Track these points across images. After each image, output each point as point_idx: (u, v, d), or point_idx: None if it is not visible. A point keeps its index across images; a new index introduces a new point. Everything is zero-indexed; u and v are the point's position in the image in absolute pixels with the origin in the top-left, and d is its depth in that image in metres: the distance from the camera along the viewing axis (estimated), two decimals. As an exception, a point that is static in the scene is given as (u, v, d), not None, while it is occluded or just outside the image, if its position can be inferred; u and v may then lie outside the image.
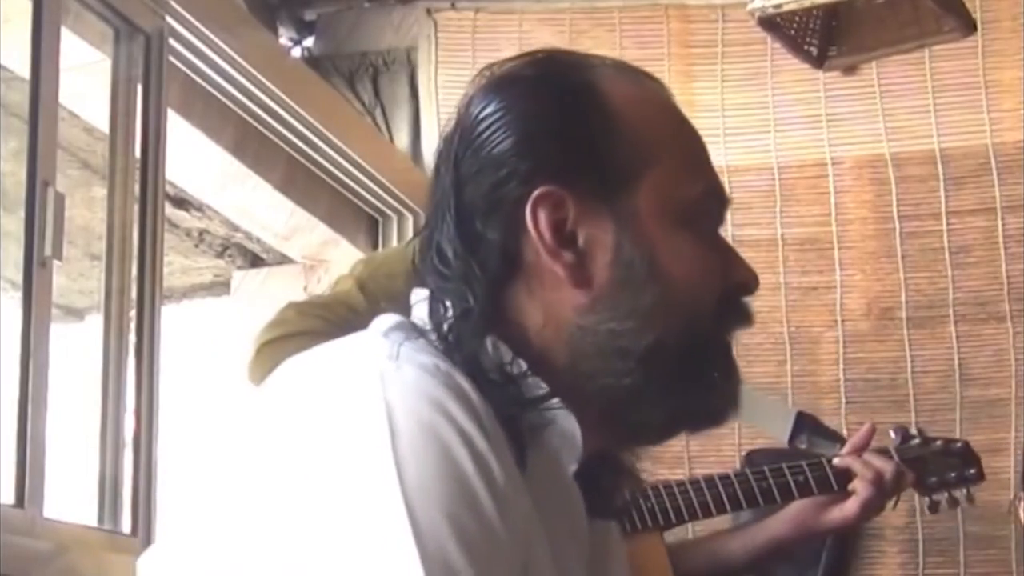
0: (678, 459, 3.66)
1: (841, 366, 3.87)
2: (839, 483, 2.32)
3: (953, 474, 2.46)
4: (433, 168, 1.15)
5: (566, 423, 1.08)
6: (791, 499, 2.33)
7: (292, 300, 2.29)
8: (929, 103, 3.89)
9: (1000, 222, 3.82)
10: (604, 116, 1.11)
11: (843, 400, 3.85)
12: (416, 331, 1.08)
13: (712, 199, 1.14)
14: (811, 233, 3.92)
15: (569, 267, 1.09)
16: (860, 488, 2.29)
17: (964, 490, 2.48)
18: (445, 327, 1.08)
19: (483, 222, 1.09)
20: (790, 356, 3.85)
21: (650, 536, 2.27)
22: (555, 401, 1.07)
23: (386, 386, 1.00)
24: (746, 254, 1.19)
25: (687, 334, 1.10)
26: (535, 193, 1.08)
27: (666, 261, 1.10)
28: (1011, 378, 3.76)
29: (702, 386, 1.11)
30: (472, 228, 1.09)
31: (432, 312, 1.10)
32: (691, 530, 2.93)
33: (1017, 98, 3.81)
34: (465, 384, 1.02)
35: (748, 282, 1.15)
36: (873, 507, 2.31)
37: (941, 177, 3.87)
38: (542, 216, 1.08)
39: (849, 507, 2.29)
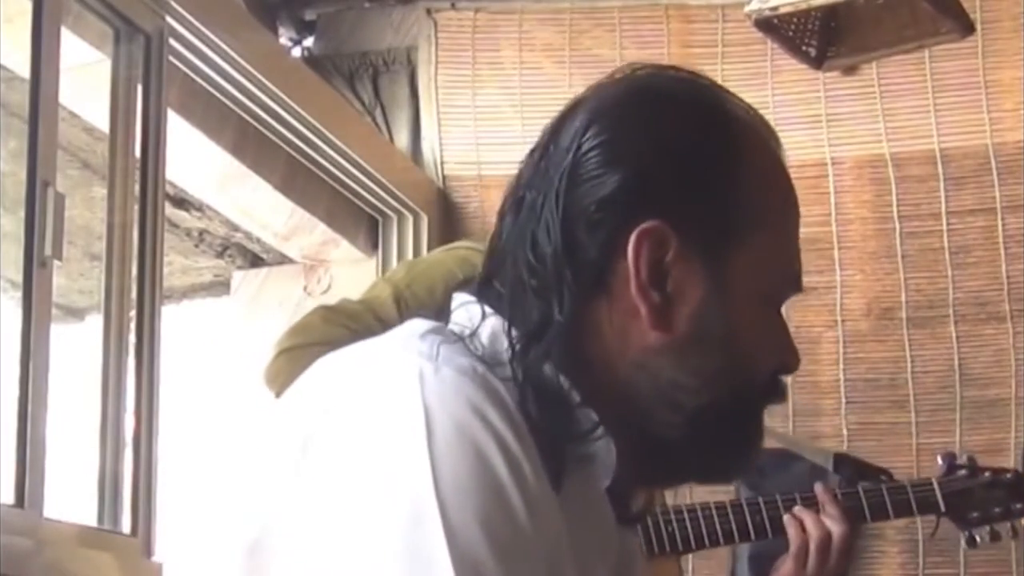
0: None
1: (841, 366, 3.87)
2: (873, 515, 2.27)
3: (998, 508, 2.37)
4: (534, 156, 1.12)
5: (606, 448, 1.08)
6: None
7: (322, 304, 2.26)
8: (929, 103, 3.89)
9: (1000, 222, 3.82)
10: (735, 167, 1.10)
11: (843, 400, 3.85)
12: (453, 335, 1.08)
13: (792, 284, 1.16)
14: (811, 233, 3.92)
15: (653, 307, 1.08)
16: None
17: (1009, 524, 2.39)
18: (520, 328, 1.07)
19: (586, 232, 1.07)
20: (790, 356, 3.85)
21: (667, 561, 2.25)
22: (599, 432, 1.07)
23: (424, 386, 1.00)
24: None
25: (737, 402, 1.11)
26: (645, 224, 1.07)
27: (742, 331, 1.10)
28: (1011, 378, 3.76)
29: (730, 449, 1.13)
30: (574, 233, 1.07)
31: (513, 308, 1.08)
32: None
33: (1017, 98, 3.81)
34: (502, 388, 1.02)
35: (793, 365, 1.17)
36: (811, 564, 2.21)
37: (941, 177, 3.87)
38: (645, 249, 1.07)
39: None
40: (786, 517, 2.21)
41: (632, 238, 1.07)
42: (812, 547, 2.17)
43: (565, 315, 1.06)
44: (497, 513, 0.96)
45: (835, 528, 2.19)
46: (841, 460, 2.46)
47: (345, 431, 1.01)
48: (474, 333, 1.09)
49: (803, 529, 2.19)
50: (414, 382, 1.00)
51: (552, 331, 1.07)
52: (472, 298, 1.12)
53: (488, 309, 1.10)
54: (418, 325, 1.10)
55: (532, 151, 1.13)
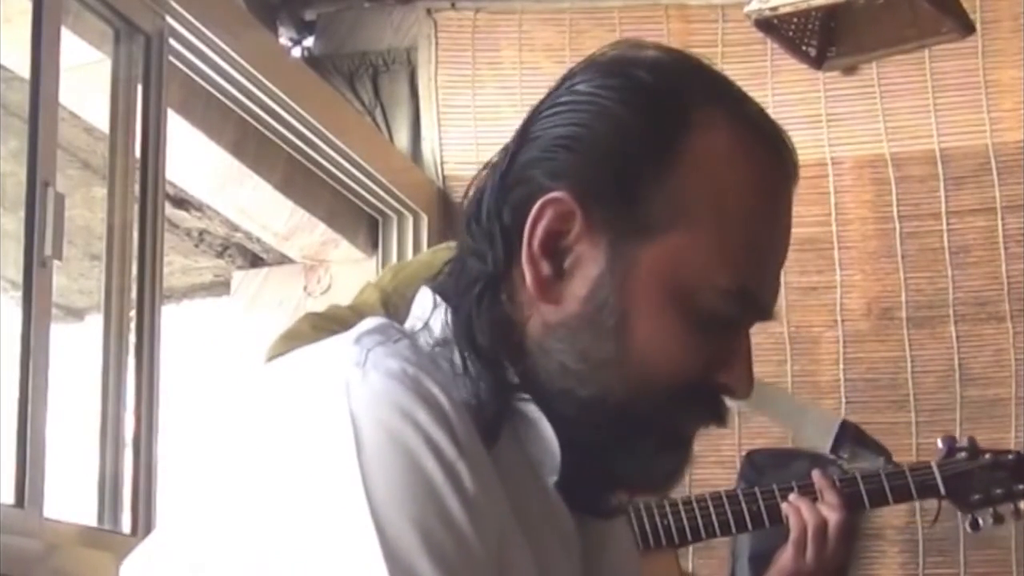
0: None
1: (841, 366, 3.87)
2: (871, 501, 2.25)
3: (1000, 490, 2.34)
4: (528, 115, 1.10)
5: (541, 427, 1.05)
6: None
7: (310, 311, 2.26)
8: (929, 103, 3.89)
9: (1000, 222, 3.82)
10: (672, 158, 1.04)
11: (843, 400, 3.85)
12: (397, 332, 1.06)
13: (740, 300, 1.05)
14: (811, 233, 3.92)
15: (539, 278, 1.04)
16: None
17: (1011, 505, 2.36)
18: (456, 286, 1.06)
19: (508, 196, 1.06)
20: (790, 356, 3.85)
21: (664, 554, 2.24)
22: (527, 395, 1.05)
23: (351, 395, 0.97)
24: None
25: (629, 403, 1.04)
26: (552, 194, 1.04)
27: (637, 327, 1.03)
28: (1011, 378, 3.76)
29: (630, 456, 1.06)
30: (504, 197, 1.06)
31: (452, 270, 1.08)
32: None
33: (1017, 98, 3.81)
34: (435, 389, 0.98)
35: (733, 388, 1.07)
36: (809, 552, 2.19)
37: (941, 177, 3.87)
38: (545, 219, 1.04)
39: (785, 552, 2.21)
40: (784, 504, 2.21)
41: (535, 206, 1.04)
42: (810, 534, 2.17)
43: (493, 271, 1.05)
44: (433, 518, 0.94)
45: (832, 515, 2.19)
46: (846, 427, 2.45)
47: (277, 448, 0.98)
48: (425, 325, 1.08)
49: (801, 516, 2.19)
50: (340, 392, 0.97)
51: (480, 285, 1.05)
52: (428, 290, 1.11)
53: (438, 298, 1.09)
54: (361, 326, 1.07)
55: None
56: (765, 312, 1.08)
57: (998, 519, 2.36)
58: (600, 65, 1.08)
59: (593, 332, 1.04)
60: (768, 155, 1.09)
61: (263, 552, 0.96)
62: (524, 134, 1.08)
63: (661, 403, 1.05)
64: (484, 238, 1.06)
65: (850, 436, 2.43)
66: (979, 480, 2.34)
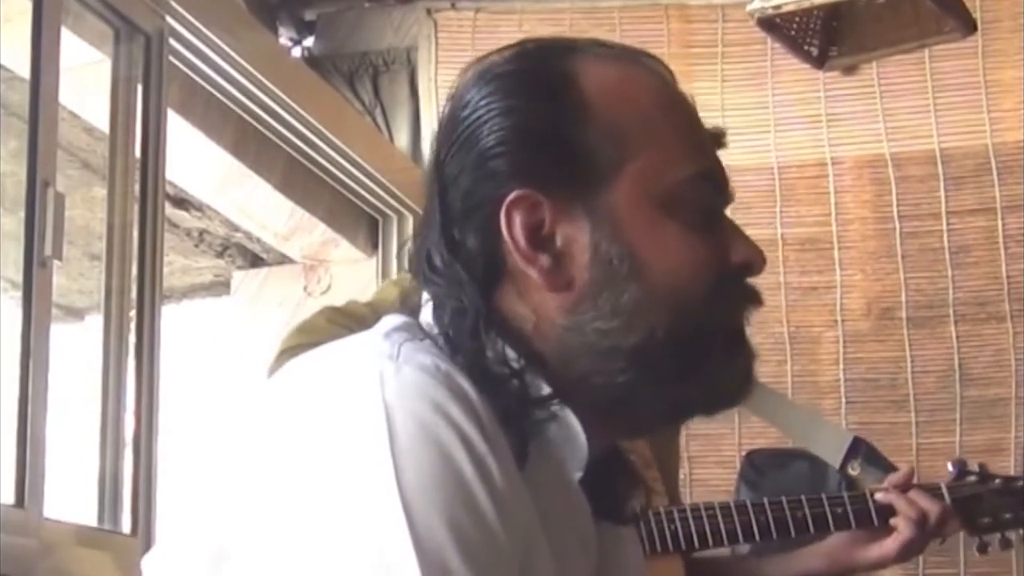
0: (678, 459, 3.65)
1: (841, 366, 3.87)
2: (880, 519, 2.24)
3: (1009, 515, 2.34)
4: (427, 169, 1.13)
5: (570, 426, 1.07)
6: (826, 531, 2.22)
7: (328, 305, 2.26)
8: (929, 103, 3.89)
9: (1000, 222, 3.83)
10: (579, 111, 1.08)
11: (843, 400, 3.85)
12: (421, 331, 1.07)
13: (705, 181, 1.10)
14: (811, 233, 3.92)
15: (545, 271, 1.07)
16: (902, 527, 2.17)
17: (1021, 531, 2.35)
18: (447, 329, 1.07)
19: (461, 228, 1.08)
20: (790, 356, 3.85)
21: (671, 560, 2.23)
22: (556, 401, 1.06)
23: (385, 387, 0.98)
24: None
25: (677, 326, 1.07)
26: (509, 197, 1.06)
27: (648, 255, 1.07)
28: (1011, 378, 3.76)
29: (702, 375, 1.08)
30: (455, 233, 1.08)
31: (434, 316, 1.09)
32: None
33: (1017, 98, 3.81)
34: (466, 385, 1.00)
35: (751, 262, 1.11)
36: (914, 548, 2.19)
37: (941, 177, 3.87)
38: (517, 220, 1.06)
39: (888, 546, 2.17)
40: (892, 497, 2.20)
41: (501, 214, 1.06)
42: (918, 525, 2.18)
43: (472, 305, 1.06)
44: (463, 511, 0.95)
45: (933, 508, 2.20)
46: (857, 443, 2.45)
47: (308, 437, 0.99)
48: (441, 329, 1.08)
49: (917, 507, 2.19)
50: (375, 383, 0.99)
51: (468, 321, 1.06)
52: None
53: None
54: (387, 323, 1.09)
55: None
56: (722, 178, 1.13)
57: (1006, 544, 2.36)
58: (471, 83, 1.12)
59: (613, 286, 1.06)
60: (642, 65, 1.14)
61: (292, 537, 0.97)
62: (441, 179, 1.09)
63: (703, 310, 1.08)
64: (451, 281, 1.08)
65: (860, 452, 2.43)
66: (988, 504, 2.34)
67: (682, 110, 1.13)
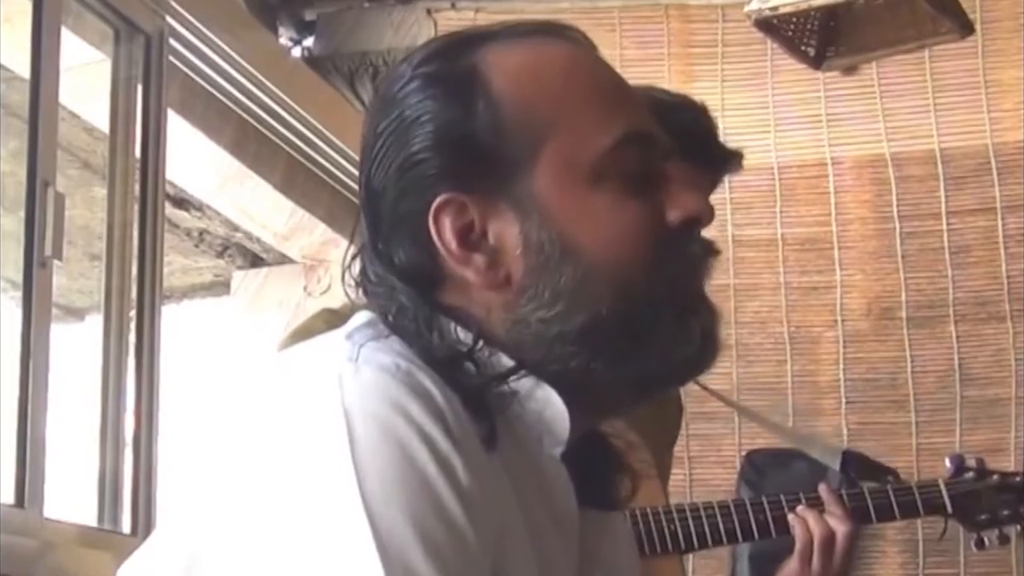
0: (678, 459, 3.64)
1: (841, 366, 3.87)
2: (879, 514, 2.25)
3: (1007, 511, 2.33)
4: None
5: (543, 400, 1.06)
6: None
7: (325, 307, 2.26)
8: (929, 103, 3.89)
9: (1000, 222, 3.82)
10: (487, 106, 1.06)
11: (843, 400, 3.85)
12: (386, 328, 1.06)
13: (630, 145, 1.07)
14: (811, 233, 3.92)
15: (481, 271, 1.06)
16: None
17: (1018, 527, 2.35)
18: (395, 327, 1.06)
19: (390, 241, 1.07)
20: (790, 356, 3.85)
21: (669, 560, 2.24)
22: (523, 372, 1.05)
23: (344, 389, 0.97)
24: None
25: (621, 300, 1.05)
26: (435, 203, 1.05)
27: (578, 234, 1.05)
28: (1011, 378, 3.76)
29: (656, 346, 1.06)
30: (388, 248, 1.07)
31: (382, 322, 1.08)
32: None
33: (1017, 98, 3.81)
34: (427, 382, 0.99)
35: (692, 212, 1.08)
36: (814, 564, 2.16)
37: (941, 177, 3.87)
38: (446, 224, 1.06)
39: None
40: (791, 516, 2.21)
41: (429, 221, 1.06)
42: (816, 545, 2.17)
43: (414, 310, 1.05)
44: (428, 511, 0.94)
45: (839, 527, 2.19)
46: (849, 457, 2.45)
47: (271, 443, 0.98)
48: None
49: (808, 528, 2.19)
50: (334, 386, 0.97)
51: (412, 322, 1.05)
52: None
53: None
54: (352, 322, 1.08)
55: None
56: (647, 134, 1.09)
57: (1004, 540, 2.36)
58: (375, 106, 1.11)
59: (550, 271, 1.05)
60: (550, 40, 1.12)
61: (258, 544, 0.96)
62: (368, 199, 1.09)
63: (645, 278, 1.06)
64: (388, 292, 1.07)
65: (853, 466, 2.43)
66: (986, 500, 2.34)
67: (596, 78, 1.11)
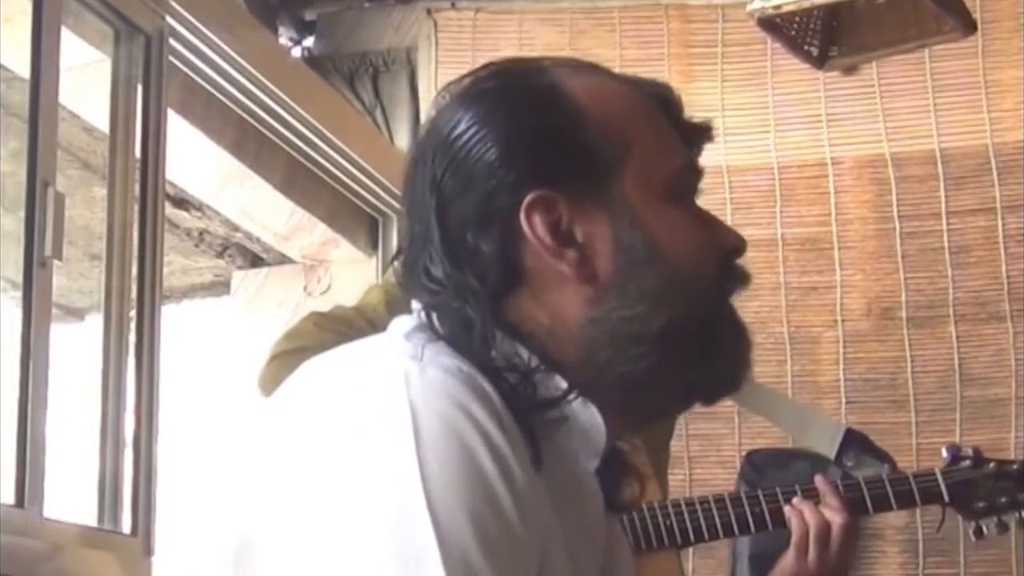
0: (678, 459, 3.65)
1: (841, 366, 3.87)
2: (875, 506, 2.24)
3: (1004, 498, 2.33)
4: (405, 194, 1.16)
5: (587, 419, 1.10)
6: None
7: (314, 311, 2.27)
8: (929, 103, 3.89)
9: (1000, 222, 3.82)
10: (575, 114, 1.13)
11: (843, 400, 3.85)
12: (435, 334, 1.09)
13: (689, 171, 1.17)
14: (811, 233, 3.92)
15: (574, 264, 1.10)
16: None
17: (1016, 514, 2.34)
18: (450, 336, 1.09)
19: (475, 236, 1.10)
20: (790, 356, 3.85)
21: (666, 555, 2.24)
22: (574, 395, 1.09)
23: (410, 386, 1.01)
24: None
25: (696, 307, 1.12)
26: (527, 200, 1.10)
27: (664, 240, 1.11)
28: (1011, 378, 3.76)
29: (716, 355, 1.14)
30: (464, 245, 1.10)
31: (433, 326, 1.11)
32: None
33: (1017, 98, 3.81)
34: (487, 386, 1.03)
35: (739, 245, 1.17)
36: (811, 555, 2.17)
37: (941, 177, 3.87)
38: (537, 220, 1.10)
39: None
40: (787, 508, 2.21)
41: (522, 217, 1.10)
42: (812, 537, 2.17)
43: (480, 315, 1.09)
44: (485, 508, 0.97)
45: (835, 519, 2.19)
46: (850, 435, 2.45)
47: (333, 433, 1.01)
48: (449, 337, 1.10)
49: (804, 519, 2.19)
50: (400, 382, 1.02)
51: (475, 331, 1.08)
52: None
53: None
54: (403, 324, 1.12)
55: (405, 179, 1.16)
56: (700, 168, 1.19)
57: (1002, 527, 2.35)
58: (454, 104, 1.15)
59: (638, 272, 1.11)
60: (605, 74, 1.20)
61: (317, 532, 0.98)
62: (440, 197, 1.11)
63: (713, 291, 1.14)
64: (457, 291, 1.10)
65: (855, 444, 2.43)
66: (983, 488, 2.34)
67: (655, 109, 1.18)
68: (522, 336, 1.09)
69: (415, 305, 1.15)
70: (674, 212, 1.13)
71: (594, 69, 1.19)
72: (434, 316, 1.11)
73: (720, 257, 1.15)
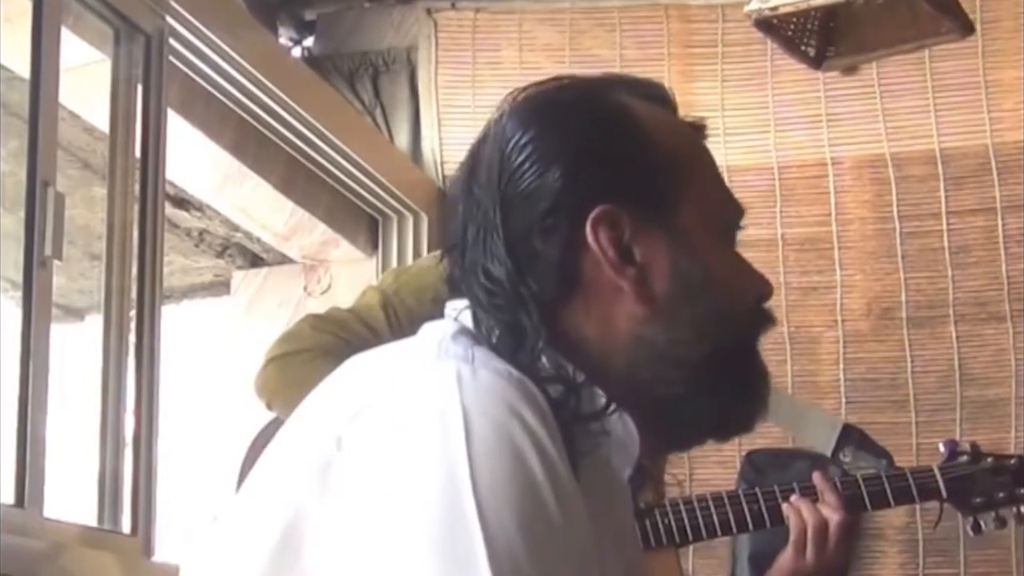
0: (678, 459, 3.65)
1: (841, 366, 3.87)
2: (873, 503, 2.24)
3: (1002, 493, 2.34)
4: (462, 191, 1.17)
5: (624, 431, 1.12)
6: None
7: (310, 313, 2.27)
8: (929, 103, 3.89)
9: (1000, 222, 3.82)
10: (644, 138, 1.16)
11: (843, 400, 3.85)
12: (480, 339, 1.11)
13: (737, 213, 1.21)
14: (811, 233, 3.92)
15: (633, 281, 1.13)
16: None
17: (1014, 509, 2.35)
18: (498, 341, 1.11)
19: (541, 242, 1.12)
20: (790, 356, 3.85)
21: (665, 553, 2.24)
22: (613, 408, 1.10)
23: (463, 388, 1.03)
24: (746, 254, 1.21)
25: (736, 341, 1.16)
26: (594, 212, 1.12)
27: (715, 273, 1.15)
28: (1011, 378, 3.76)
29: (741, 392, 1.17)
30: (526, 249, 1.12)
31: (479, 328, 1.12)
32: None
33: (1017, 98, 3.81)
34: (537, 391, 1.05)
35: (770, 291, 1.21)
36: (809, 553, 2.19)
37: (941, 177, 3.87)
38: (602, 234, 1.12)
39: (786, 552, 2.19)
40: (785, 505, 2.21)
41: (588, 228, 1.12)
42: (810, 535, 2.17)
43: (534, 321, 1.10)
44: (533, 512, 0.98)
45: (833, 516, 2.19)
46: (848, 430, 2.45)
47: (383, 431, 1.02)
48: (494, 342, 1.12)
49: (802, 517, 2.19)
50: (452, 384, 1.03)
51: (527, 338, 1.10)
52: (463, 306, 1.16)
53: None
54: (448, 326, 1.13)
55: (458, 182, 1.18)
56: (743, 211, 1.24)
57: (1000, 523, 2.35)
58: (523, 112, 1.17)
59: (690, 300, 1.14)
60: (665, 108, 1.22)
61: (366, 526, 0.99)
62: (505, 202, 1.13)
63: (750, 329, 1.18)
64: (512, 298, 1.11)
65: (852, 439, 2.43)
66: (981, 483, 2.33)
67: (704, 146, 1.22)
68: (569, 345, 1.11)
69: (450, 310, 1.16)
70: (723, 249, 1.18)
71: (650, 96, 1.20)
72: (483, 318, 1.12)
73: (754, 296, 1.19)
